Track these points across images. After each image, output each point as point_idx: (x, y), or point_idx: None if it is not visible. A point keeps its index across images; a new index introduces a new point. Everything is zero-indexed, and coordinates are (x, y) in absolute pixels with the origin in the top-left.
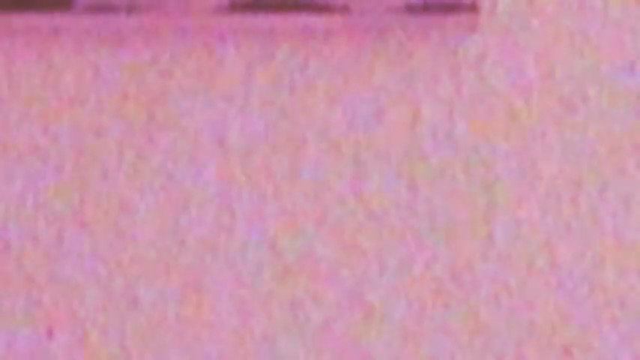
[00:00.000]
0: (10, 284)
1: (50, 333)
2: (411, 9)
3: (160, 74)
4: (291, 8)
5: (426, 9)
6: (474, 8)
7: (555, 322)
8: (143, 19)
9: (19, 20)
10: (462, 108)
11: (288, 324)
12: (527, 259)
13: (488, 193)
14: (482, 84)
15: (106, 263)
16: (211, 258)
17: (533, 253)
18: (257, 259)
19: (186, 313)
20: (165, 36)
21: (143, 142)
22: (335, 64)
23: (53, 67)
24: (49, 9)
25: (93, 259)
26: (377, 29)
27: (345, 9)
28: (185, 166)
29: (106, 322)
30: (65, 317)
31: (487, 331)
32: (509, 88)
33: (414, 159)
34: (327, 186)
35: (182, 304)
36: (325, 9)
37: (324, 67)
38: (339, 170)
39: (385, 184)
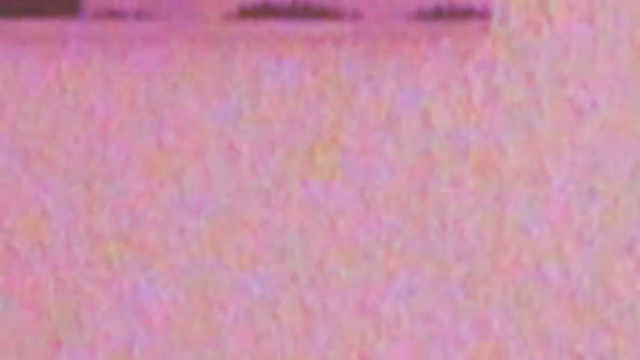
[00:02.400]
0: (18, 294)
1: (58, 343)
2: (422, 15)
3: (169, 81)
4: (301, 15)
5: (437, 15)
6: (485, 15)
7: (567, 331)
8: (151, 26)
9: (27, 26)
10: (472, 115)
11: (297, 334)
12: (538, 268)
13: (499, 201)
14: (493, 91)
15: (114, 272)
16: (220, 266)
17: (545, 261)
18: (266, 268)
19: (195, 323)
20: (174, 42)
21: (152, 149)
22: (345, 70)
23: (61, 73)
24: (57, 15)
25: (101, 267)
26: (388, 36)
27: (355, 15)
28: (194, 172)
29: (114, 332)
30: (73, 327)
31: (498, 340)
32: (521, 95)
33: (425, 166)
34: (336, 193)
35: (190, 313)
36: (336, 15)
37: (335, 74)
38: (348, 177)
39: (395, 192)
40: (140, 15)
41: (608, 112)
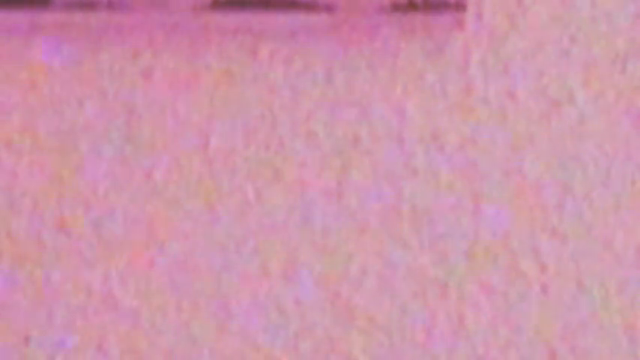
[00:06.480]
0: None
1: (27, 339)
2: (396, 7)
3: (141, 73)
4: (274, 6)
5: (412, 7)
6: (460, 7)
7: (540, 326)
8: (123, 17)
9: None
10: (447, 107)
11: (269, 327)
12: (512, 263)
13: (473, 194)
14: (468, 83)
15: (85, 266)
16: (192, 260)
17: (519, 256)
18: (238, 261)
19: (167, 317)
20: (146, 34)
21: (123, 142)
22: (320, 63)
23: (31, 64)
24: (28, 6)
25: (71, 261)
26: (362, 28)
27: (330, 7)
28: (166, 166)
29: (85, 328)
30: (43, 323)
31: (472, 335)
32: (496, 88)
33: (399, 159)
34: (310, 186)
35: (162, 307)
36: (310, 7)
37: (309, 66)
38: (322, 171)
39: (369, 185)
40: (112, 6)
41: (584, 105)
